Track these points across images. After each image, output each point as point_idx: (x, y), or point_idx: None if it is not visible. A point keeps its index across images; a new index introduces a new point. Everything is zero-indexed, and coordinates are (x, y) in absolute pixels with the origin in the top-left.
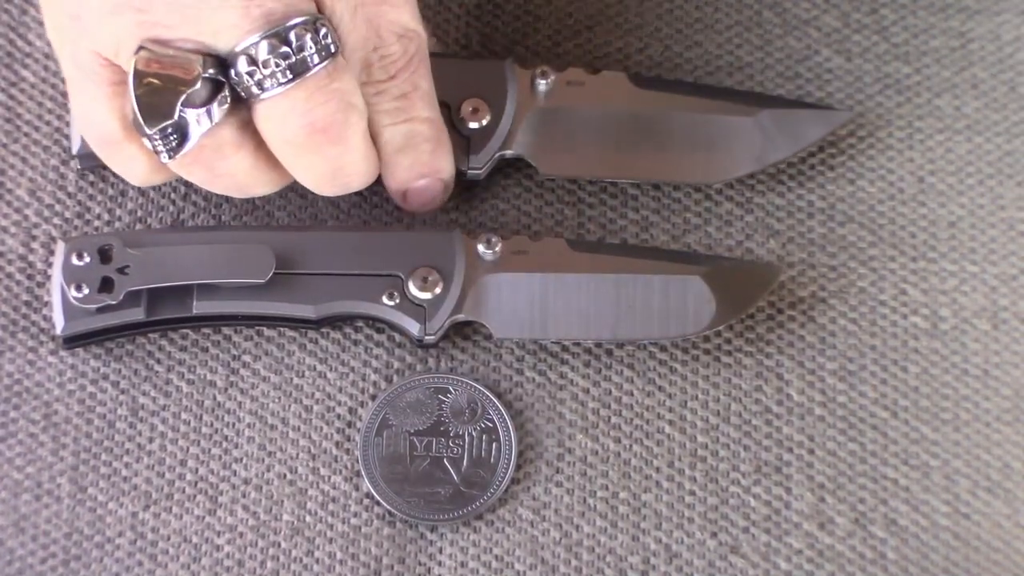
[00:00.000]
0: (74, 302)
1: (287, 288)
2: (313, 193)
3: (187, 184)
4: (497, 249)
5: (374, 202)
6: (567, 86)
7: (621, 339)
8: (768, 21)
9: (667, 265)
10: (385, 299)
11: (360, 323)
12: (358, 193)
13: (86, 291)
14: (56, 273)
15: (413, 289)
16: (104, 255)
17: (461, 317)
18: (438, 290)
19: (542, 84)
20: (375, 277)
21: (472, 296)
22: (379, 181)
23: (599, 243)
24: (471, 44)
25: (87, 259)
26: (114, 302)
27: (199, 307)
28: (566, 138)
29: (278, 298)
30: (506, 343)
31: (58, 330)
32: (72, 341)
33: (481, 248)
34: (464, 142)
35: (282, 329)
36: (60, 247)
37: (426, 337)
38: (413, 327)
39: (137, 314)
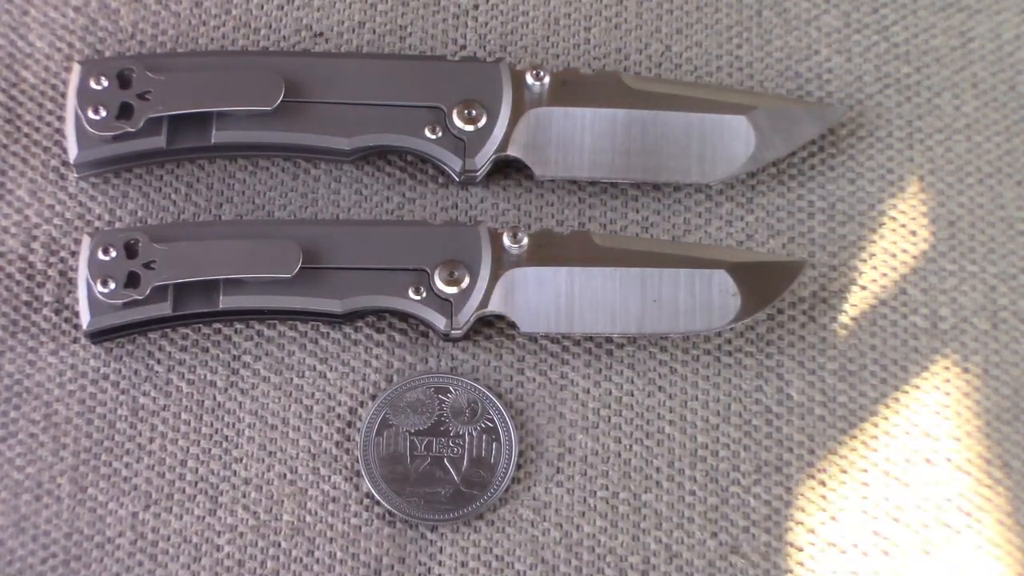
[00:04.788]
0: (100, 297)
1: (313, 282)
2: (314, 191)
3: (188, 184)
4: (523, 243)
5: (375, 201)
6: (562, 86)
7: (647, 333)
8: (768, 21)
9: (692, 259)
10: (411, 293)
11: (360, 323)
12: (359, 192)
13: (112, 286)
14: (82, 268)
15: (439, 283)
16: (130, 250)
17: (487, 311)
18: (464, 284)
19: (537, 85)
20: (401, 271)
21: (498, 290)
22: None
23: (625, 237)
24: (466, 45)
25: (113, 254)
26: (140, 297)
27: (225, 302)
28: (561, 138)
29: (304, 292)
30: (506, 342)
31: (84, 325)
32: (98, 336)
33: (507, 242)
34: (460, 145)
35: (282, 329)
36: (86, 242)
37: (452, 332)
38: (439, 322)
39: (164, 309)
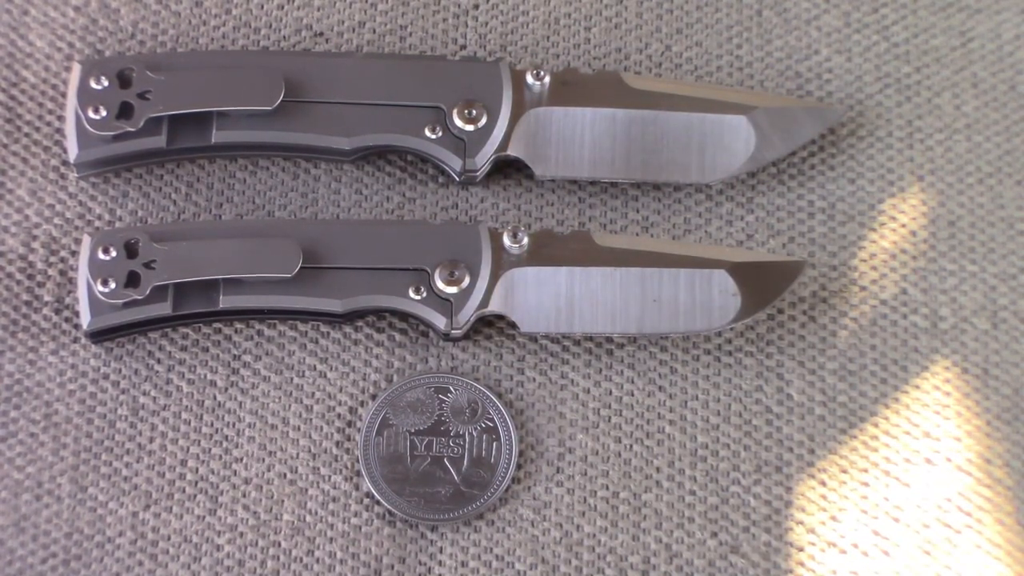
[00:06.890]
0: (100, 297)
1: (313, 282)
2: (314, 191)
3: (188, 184)
4: (523, 243)
5: (375, 201)
6: (562, 86)
7: (647, 333)
8: (768, 21)
9: (692, 259)
10: (411, 293)
11: (360, 323)
12: (359, 192)
13: (112, 286)
14: (82, 268)
15: (439, 283)
16: (130, 250)
17: (487, 311)
18: (464, 284)
19: (537, 85)
20: (401, 271)
21: (498, 290)
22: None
23: (625, 236)
24: (466, 45)
25: (113, 254)
26: (140, 297)
27: (225, 301)
28: (561, 138)
29: (304, 292)
30: (506, 342)
31: (84, 325)
32: (98, 336)
33: (507, 242)
34: (460, 145)
35: (282, 329)
36: (86, 241)
37: (452, 331)
38: (439, 321)
39: (164, 309)
